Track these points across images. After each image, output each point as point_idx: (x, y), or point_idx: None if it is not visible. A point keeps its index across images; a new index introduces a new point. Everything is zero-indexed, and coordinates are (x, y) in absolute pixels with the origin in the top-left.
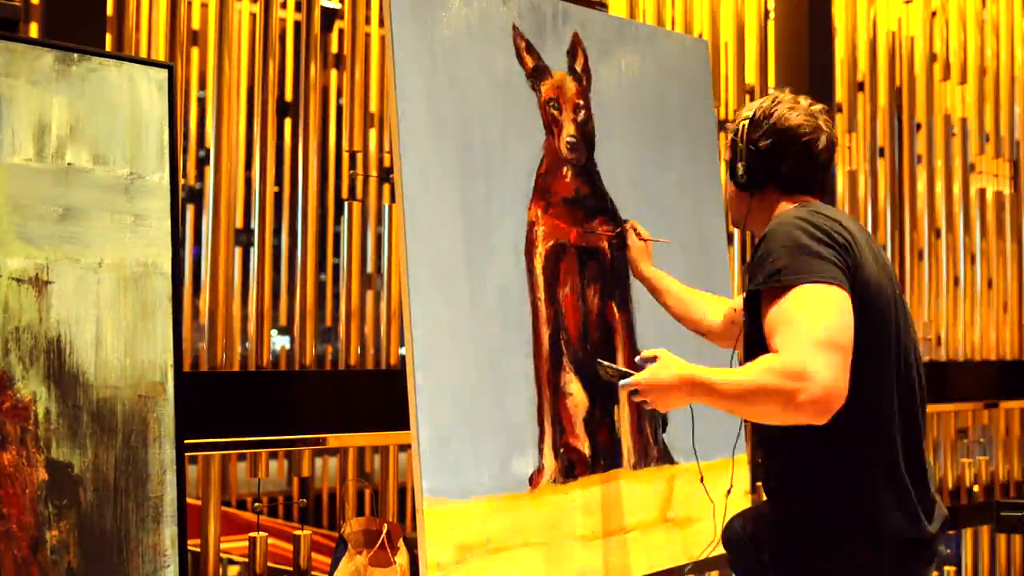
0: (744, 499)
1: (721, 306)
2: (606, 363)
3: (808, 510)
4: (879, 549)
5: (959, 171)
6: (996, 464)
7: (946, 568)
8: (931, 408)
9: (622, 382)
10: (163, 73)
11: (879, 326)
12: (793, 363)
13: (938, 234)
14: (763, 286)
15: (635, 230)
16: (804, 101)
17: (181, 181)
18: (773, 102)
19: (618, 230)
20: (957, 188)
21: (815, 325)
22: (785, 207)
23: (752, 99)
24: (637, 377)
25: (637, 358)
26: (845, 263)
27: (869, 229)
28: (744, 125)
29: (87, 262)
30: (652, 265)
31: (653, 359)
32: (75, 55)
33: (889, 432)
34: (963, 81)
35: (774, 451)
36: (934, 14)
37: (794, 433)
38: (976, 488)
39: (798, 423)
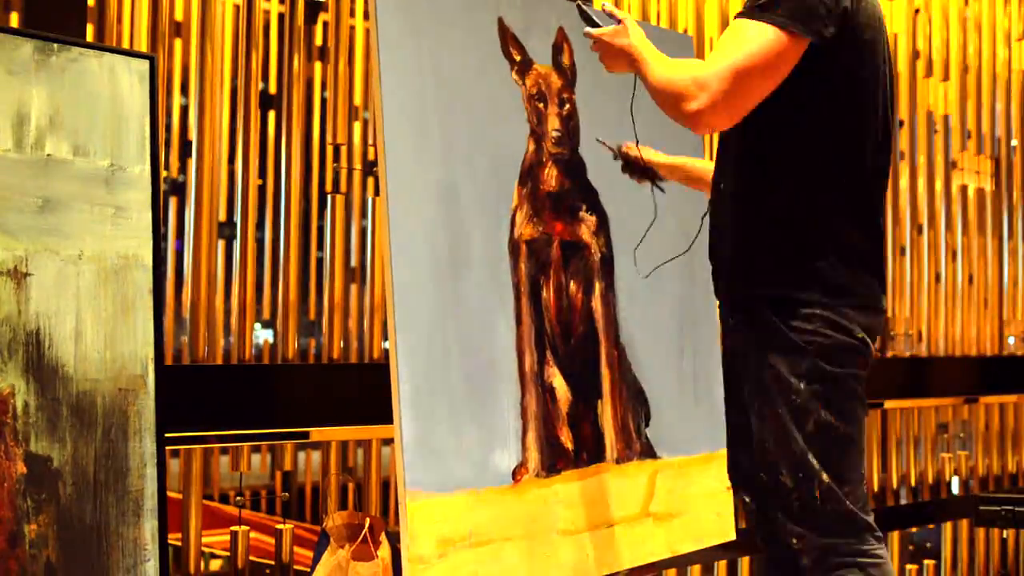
0: (726, 494)
1: None
2: (584, 6)
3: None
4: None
5: (941, 168)
6: (976, 459)
7: (925, 562)
8: (912, 403)
9: (587, 29)
10: (144, 64)
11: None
12: (707, 74)
13: (920, 230)
14: (749, 5)
15: (630, 152)
16: None
17: (164, 173)
18: None
19: (616, 150)
20: (939, 185)
21: (746, 54)
22: None
23: None
24: (600, 31)
25: (605, 5)
26: (830, 15)
27: None
28: None
29: (67, 254)
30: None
31: (619, 21)
32: (55, 45)
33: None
34: (946, 78)
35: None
36: (917, 11)
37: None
38: (956, 480)
39: (678, 122)
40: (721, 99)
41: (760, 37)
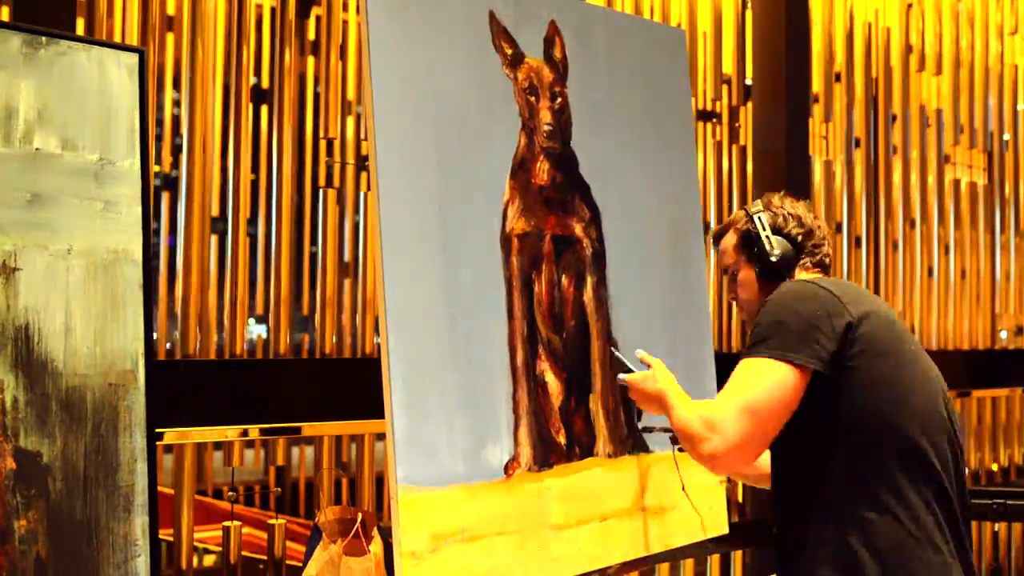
0: (719, 488)
1: None
2: (617, 353)
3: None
4: None
5: (934, 162)
6: (968, 452)
7: None
8: None
9: (620, 376)
10: (134, 58)
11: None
12: (712, 416)
13: (913, 224)
14: (747, 348)
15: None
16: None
17: (156, 168)
18: (772, 202)
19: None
20: (932, 179)
21: (746, 391)
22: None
23: (729, 89)
24: (631, 378)
25: (638, 352)
26: (828, 336)
27: (845, 219)
28: (760, 217)
29: (56, 249)
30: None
31: (648, 366)
32: (43, 39)
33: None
34: (938, 72)
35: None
36: (910, 6)
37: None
38: None
39: (702, 464)
40: (735, 440)
41: (764, 373)
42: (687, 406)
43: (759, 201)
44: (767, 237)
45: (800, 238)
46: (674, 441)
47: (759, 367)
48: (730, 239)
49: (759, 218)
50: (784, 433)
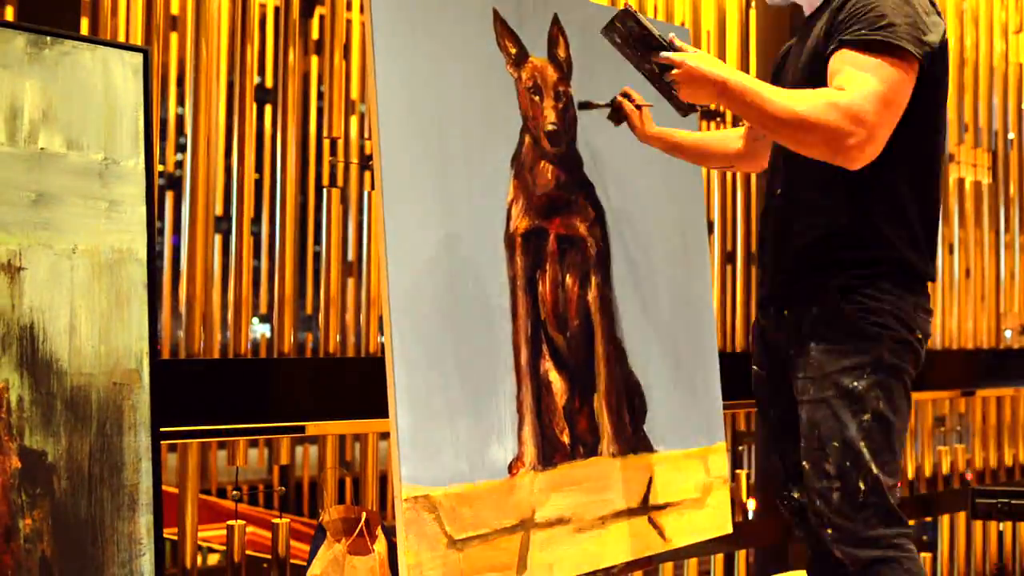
0: (723, 487)
1: (735, 132)
2: (634, 10)
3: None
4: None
5: None
6: (973, 452)
7: (922, 554)
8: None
9: (664, 54)
10: (138, 57)
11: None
12: (860, 107)
13: None
14: (869, 35)
15: (628, 97)
16: None
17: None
18: None
19: (611, 103)
20: None
21: (889, 84)
22: None
23: None
24: (682, 57)
25: (671, 35)
26: (940, 34)
27: None
28: None
29: (60, 248)
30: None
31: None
32: (48, 38)
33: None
34: None
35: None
36: None
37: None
38: (953, 474)
39: (829, 161)
40: (879, 131)
41: (891, 65)
42: (782, 92)
43: None
44: None
45: None
46: (617, 122)
47: (886, 60)
48: None
49: None
50: None
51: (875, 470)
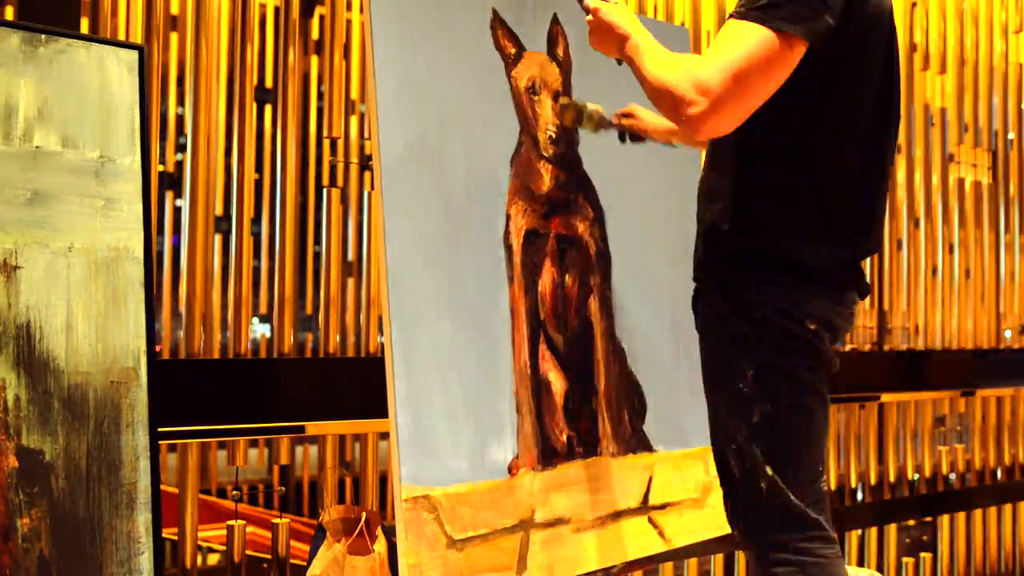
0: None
1: None
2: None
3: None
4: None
5: (938, 161)
6: (973, 452)
7: (922, 555)
8: (909, 396)
9: (586, 0)
10: (133, 55)
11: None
12: (708, 77)
13: (917, 223)
14: (745, 7)
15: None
16: None
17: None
18: None
19: (617, 126)
20: (936, 178)
21: (748, 58)
22: None
23: None
24: (600, 5)
25: None
26: (829, 9)
27: None
28: None
29: (57, 247)
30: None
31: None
32: (43, 36)
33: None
34: (943, 71)
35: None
36: (914, 4)
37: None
38: (953, 474)
39: (678, 128)
40: (723, 104)
41: (759, 40)
42: (661, 57)
43: None
44: None
45: None
46: (632, 139)
47: (752, 33)
48: None
49: None
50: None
51: (770, 472)
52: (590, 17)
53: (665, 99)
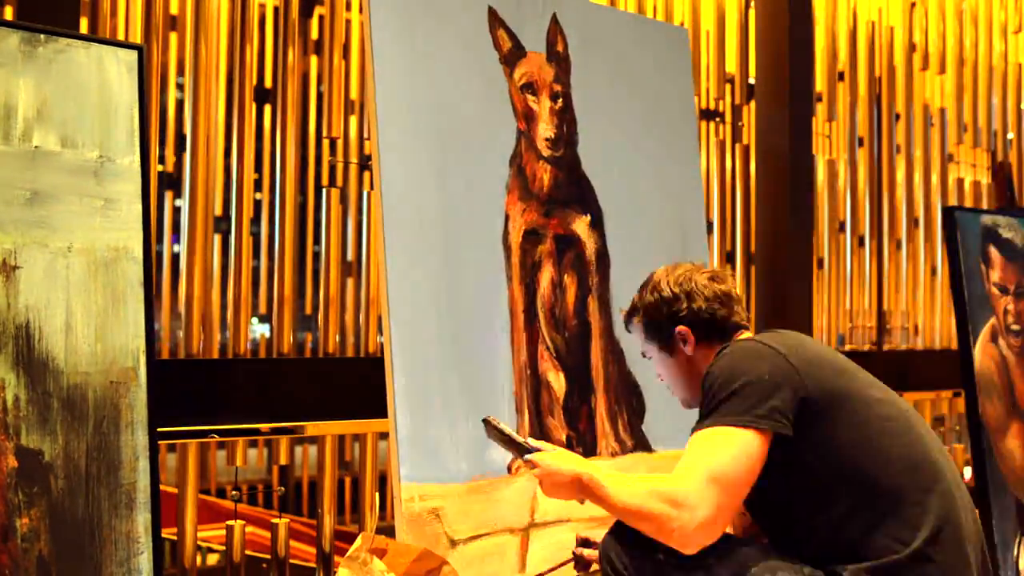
0: None
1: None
2: (494, 422)
3: None
4: None
5: (937, 161)
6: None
7: None
8: (908, 396)
9: (526, 456)
10: (132, 54)
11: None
12: (681, 491)
13: (916, 223)
14: (703, 418)
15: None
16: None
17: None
18: (673, 281)
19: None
20: (935, 178)
21: (716, 461)
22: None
23: (732, 88)
24: (539, 458)
25: (530, 440)
26: (782, 397)
27: (848, 218)
28: (658, 300)
29: (56, 247)
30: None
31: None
32: (42, 36)
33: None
34: (942, 71)
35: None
36: (914, 4)
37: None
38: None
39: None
40: (703, 512)
41: (728, 440)
42: (630, 484)
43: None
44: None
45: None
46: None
47: (722, 437)
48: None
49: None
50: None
51: None
52: (537, 470)
53: (647, 524)
